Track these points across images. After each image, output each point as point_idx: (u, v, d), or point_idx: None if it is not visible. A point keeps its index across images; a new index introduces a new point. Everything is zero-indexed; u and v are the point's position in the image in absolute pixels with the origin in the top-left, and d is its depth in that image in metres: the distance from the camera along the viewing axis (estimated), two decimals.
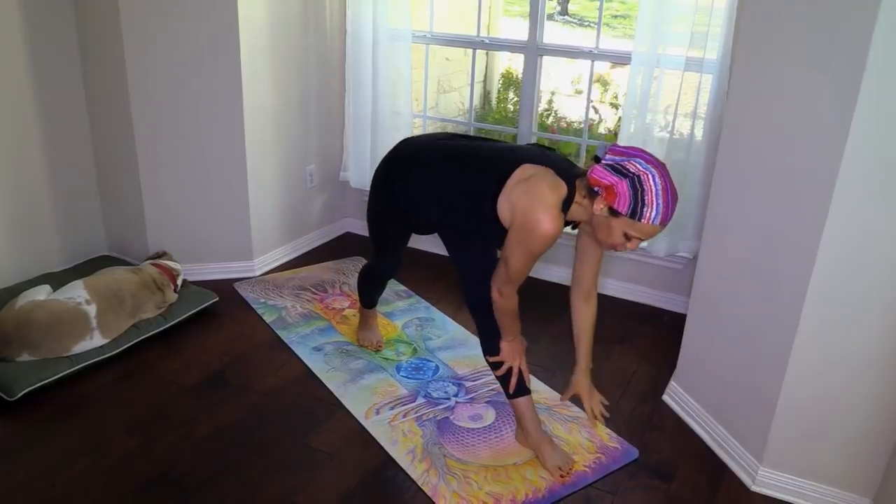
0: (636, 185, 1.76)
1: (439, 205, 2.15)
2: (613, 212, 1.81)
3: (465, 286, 2.23)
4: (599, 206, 1.83)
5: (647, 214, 1.76)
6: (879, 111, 1.73)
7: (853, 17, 1.74)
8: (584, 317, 2.24)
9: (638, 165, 1.78)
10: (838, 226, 1.85)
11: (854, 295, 1.90)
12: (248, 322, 2.98)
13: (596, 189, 1.83)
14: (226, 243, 3.32)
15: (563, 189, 1.90)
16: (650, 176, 1.76)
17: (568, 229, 2.04)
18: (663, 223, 1.80)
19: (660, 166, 1.80)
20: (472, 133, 3.97)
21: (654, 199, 1.75)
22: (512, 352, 2.20)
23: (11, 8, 2.81)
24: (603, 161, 1.83)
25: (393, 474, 2.16)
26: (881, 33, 1.67)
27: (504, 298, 2.07)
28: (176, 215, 3.22)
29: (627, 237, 1.84)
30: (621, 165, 1.79)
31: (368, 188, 3.66)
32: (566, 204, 1.91)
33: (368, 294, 2.77)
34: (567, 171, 1.95)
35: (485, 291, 2.09)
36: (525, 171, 1.95)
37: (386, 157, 2.34)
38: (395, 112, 3.54)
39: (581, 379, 2.30)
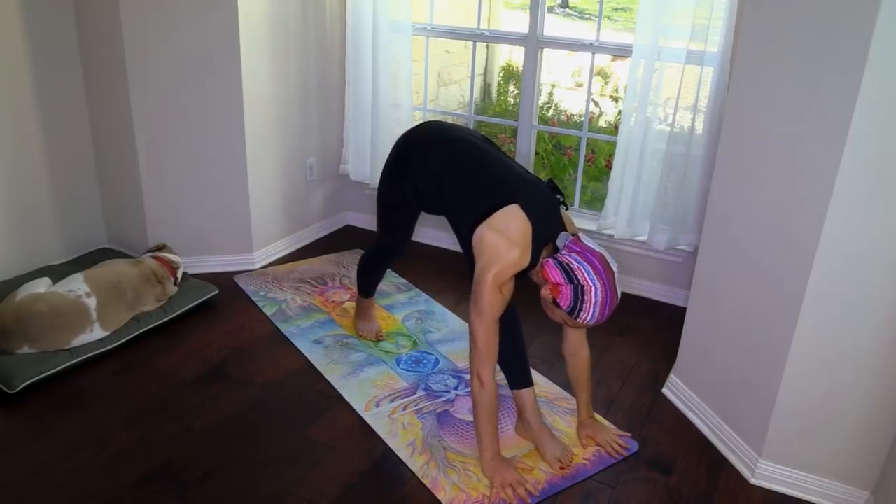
0: (578, 293, 1.89)
1: (444, 195, 2.15)
2: (556, 302, 1.93)
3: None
4: (545, 292, 1.95)
5: (584, 317, 1.92)
6: (880, 105, 1.72)
7: (854, 13, 1.73)
8: (574, 370, 2.27)
9: (586, 276, 1.88)
10: (839, 220, 1.85)
11: (854, 289, 1.89)
12: (248, 315, 2.98)
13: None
14: (226, 236, 3.32)
15: (526, 262, 1.96)
16: (594, 290, 1.88)
17: None
18: (597, 325, 1.96)
19: (606, 279, 1.89)
20: (472, 126, 3.96)
21: (591, 308, 1.90)
22: (498, 471, 2.07)
23: (11, 5, 2.81)
24: (559, 254, 1.93)
25: (393, 467, 2.17)
26: (881, 30, 1.67)
27: (484, 385, 2.01)
28: (176, 208, 3.22)
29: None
30: (571, 270, 1.90)
31: (368, 180, 3.72)
32: (525, 271, 2.00)
33: (368, 282, 2.77)
34: (547, 232, 1.99)
35: None
36: (510, 217, 1.96)
37: (403, 136, 2.34)
38: (395, 104, 3.53)
39: (586, 426, 2.30)
